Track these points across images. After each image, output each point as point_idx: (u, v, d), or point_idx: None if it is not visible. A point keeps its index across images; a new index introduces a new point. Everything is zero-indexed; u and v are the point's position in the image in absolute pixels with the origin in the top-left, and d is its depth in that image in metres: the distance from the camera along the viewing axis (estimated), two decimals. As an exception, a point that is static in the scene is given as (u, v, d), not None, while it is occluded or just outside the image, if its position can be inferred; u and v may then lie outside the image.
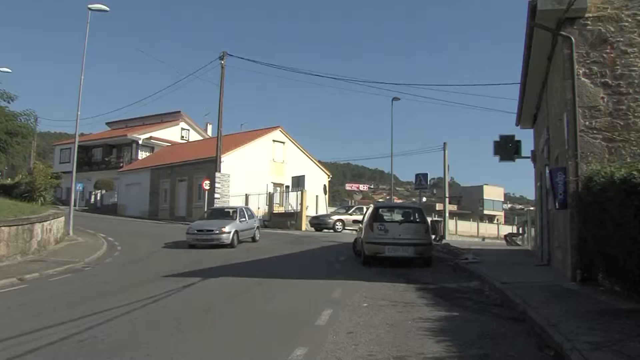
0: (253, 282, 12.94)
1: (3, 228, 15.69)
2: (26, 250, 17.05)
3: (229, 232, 22.07)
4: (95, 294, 11.61)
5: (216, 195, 36.04)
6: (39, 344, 6.84)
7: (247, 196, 38.33)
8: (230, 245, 21.87)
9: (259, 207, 38.19)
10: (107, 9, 24.39)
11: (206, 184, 36.04)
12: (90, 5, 24.15)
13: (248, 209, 26.37)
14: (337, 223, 34.46)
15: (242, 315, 9.17)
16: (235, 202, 37.06)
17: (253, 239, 24.59)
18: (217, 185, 36.19)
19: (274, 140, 44.05)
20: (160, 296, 10.89)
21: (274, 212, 38.35)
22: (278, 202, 40.32)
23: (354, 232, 32.18)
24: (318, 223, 35.15)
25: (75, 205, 28.22)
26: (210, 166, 37.91)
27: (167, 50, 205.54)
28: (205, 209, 30.35)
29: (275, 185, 42.12)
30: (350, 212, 35.87)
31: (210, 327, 8.14)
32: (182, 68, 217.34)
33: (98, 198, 53.87)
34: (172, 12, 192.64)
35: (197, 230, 22.29)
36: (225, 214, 24.47)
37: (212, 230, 22.01)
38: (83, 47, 24.90)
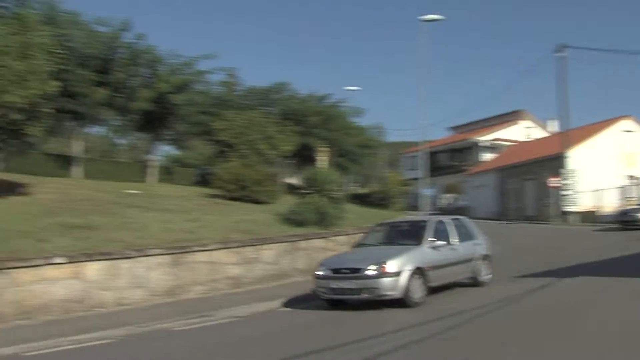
0: (613, 282, 12.43)
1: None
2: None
3: (396, 274, 10.76)
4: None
5: (563, 192, 35.22)
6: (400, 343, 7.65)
7: (598, 192, 36.43)
8: (404, 300, 10.78)
9: (611, 203, 36.01)
10: (441, 17, 24.67)
11: (552, 182, 35.43)
12: (420, 17, 25.08)
13: (459, 222, 14.06)
14: None
15: (606, 323, 8.40)
16: (586, 198, 35.57)
17: (475, 281, 13.33)
18: (563, 182, 35.40)
19: (623, 130, 40.93)
20: (515, 297, 11.14)
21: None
22: (635, 196, 37.20)
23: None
24: (628, 220, 26.74)
25: (427, 210, 30.82)
26: (555, 163, 37.25)
27: (504, 48, 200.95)
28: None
29: (630, 178, 38.98)
30: None
31: (569, 337, 7.66)
32: (516, 64, 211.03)
33: (451, 201, 56.57)
34: (510, 9, 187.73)
35: (333, 271, 11.44)
36: (407, 235, 12.86)
37: (359, 270, 11.02)
38: (419, 58, 26.56)
